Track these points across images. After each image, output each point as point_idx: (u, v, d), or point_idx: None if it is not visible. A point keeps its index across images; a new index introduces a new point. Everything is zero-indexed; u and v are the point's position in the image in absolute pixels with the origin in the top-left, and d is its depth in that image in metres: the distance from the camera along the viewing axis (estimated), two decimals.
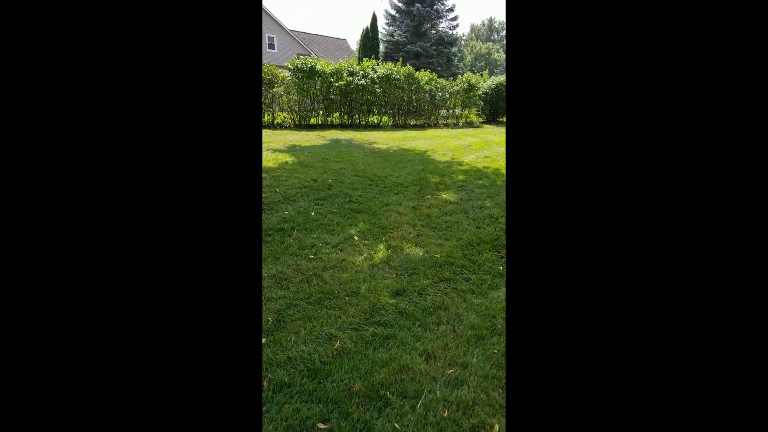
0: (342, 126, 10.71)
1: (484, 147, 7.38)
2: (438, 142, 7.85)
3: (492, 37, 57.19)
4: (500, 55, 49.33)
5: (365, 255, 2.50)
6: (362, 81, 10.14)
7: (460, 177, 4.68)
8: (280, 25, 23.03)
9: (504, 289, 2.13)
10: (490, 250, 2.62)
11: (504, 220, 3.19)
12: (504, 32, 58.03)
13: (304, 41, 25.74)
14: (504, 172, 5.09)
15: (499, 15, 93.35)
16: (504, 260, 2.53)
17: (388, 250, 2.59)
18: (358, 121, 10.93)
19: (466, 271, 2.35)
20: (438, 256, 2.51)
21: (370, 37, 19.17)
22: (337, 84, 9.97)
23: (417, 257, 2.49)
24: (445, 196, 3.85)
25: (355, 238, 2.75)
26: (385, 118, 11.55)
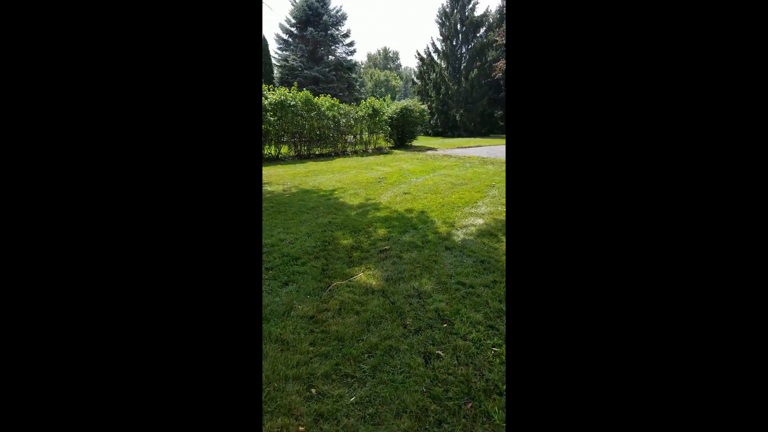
0: None
1: (400, 179, 6.42)
2: (348, 176, 6.65)
3: (388, 65, 60.33)
4: (397, 82, 52.05)
5: None
6: None
7: (381, 231, 3.47)
8: None
9: None
10: None
11: (463, 321, 2.00)
12: (399, 61, 61.91)
13: None
14: (430, 214, 4.06)
15: (392, 45, 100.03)
16: None
17: None
18: None
19: None
20: None
21: (262, 62, 17.64)
22: None
23: None
24: (362, 277, 2.51)
25: None
26: (284, 149, 10.03)
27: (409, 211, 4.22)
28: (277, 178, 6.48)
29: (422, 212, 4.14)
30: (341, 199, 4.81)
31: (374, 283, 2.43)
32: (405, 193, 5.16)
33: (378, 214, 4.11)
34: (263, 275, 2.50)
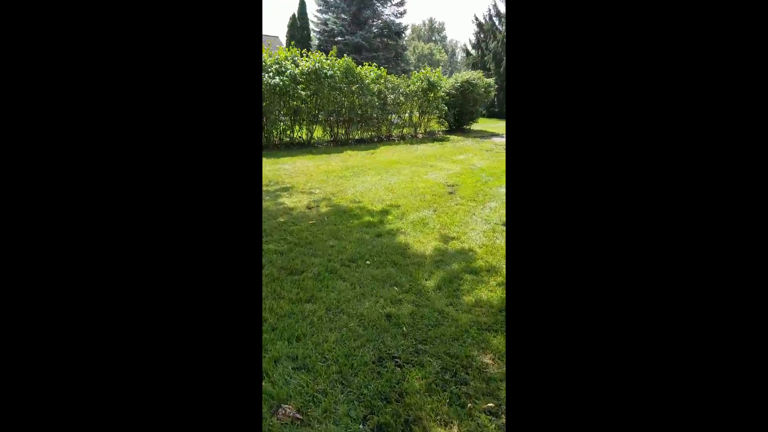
0: None
1: (479, 187, 4.30)
2: (401, 180, 4.62)
3: (433, 38, 56.09)
4: (442, 56, 48.29)
5: None
6: (276, 79, 6.60)
7: (495, 342, 1.48)
8: None
9: None
10: None
11: None
12: (444, 32, 57.51)
13: None
14: None
15: (438, 15, 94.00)
16: None
17: None
18: (275, 139, 7.37)
19: None
20: None
21: (298, 26, 15.43)
22: None
23: None
24: None
25: None
26: (318, 131, 8.12)
27: None
28: (303, 179, 4.59)
29: None
30: (400, 235, 2.82)
31: None
32: (503, 223, 3.09)
33: (484, 293, 2.09)
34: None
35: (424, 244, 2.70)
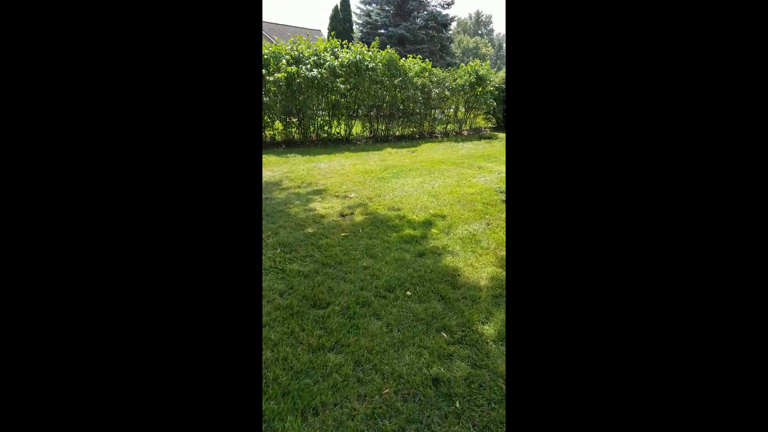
0: (287, 144, 6.84)
1: None
2: (446, 184, 4.11)
3: (479, 31, 53.94)
4: (488, 50, 46.39)
5: None
6: (315, 72, 6.29)
7: None
8: None
9: None
10: None
11: None
12: (492, 26, 55.21)
13: (270, 33, 21.41)
14: None
15: (485, 8, 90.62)
16: None
17: None
18: (312, 135, 7.09)
19: None
20: None
21: (340, 18, 15.08)
22: (272, 77, 6.09)
23: None
24: None
25: None
26: (357, 127, 7.76)
27: None
28: (338, 180, 4.22)
29: None
30: (447, 256, 2.33)
31: None
32: None
33: None
34: None
35: (478, 270, 2.20)
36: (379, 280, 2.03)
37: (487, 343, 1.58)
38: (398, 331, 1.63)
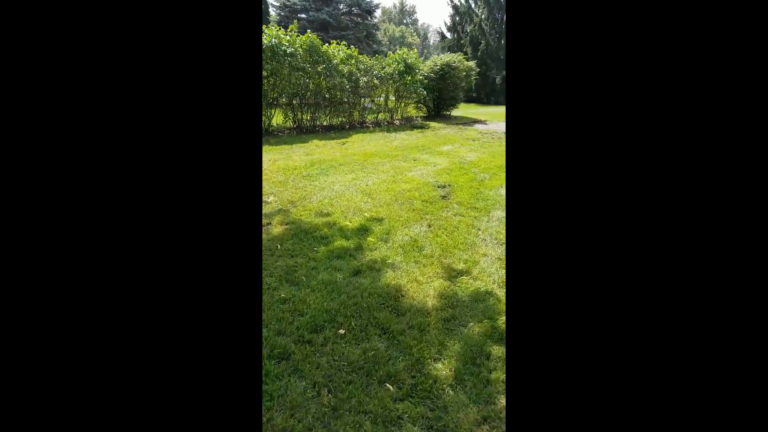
0: None
1: (475, 186, 3.50)
2: (380, 179, 3.74)
3: (405, 21, 54.47)
4: (414, 39, 47.12)
5: None
6: None
7: None
8: None
9: None
10: None
11: None
12: (416, 15, 56.19)
13: None
14: None
15: None
16: None
17: None
18: None
19: None
20: None
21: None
22: None
23: None
24: None
25: None
26: (278, 117, 7.02)
27: None
28: None
29: None
30: (388, 271, 1.96)
31: None
32: None
33: None
34: None
35: (423, 286, 1.87)
36: (303, 317, 1.58)
37: (443, 390, 1.25)
38: (330, 392, 1.22)
